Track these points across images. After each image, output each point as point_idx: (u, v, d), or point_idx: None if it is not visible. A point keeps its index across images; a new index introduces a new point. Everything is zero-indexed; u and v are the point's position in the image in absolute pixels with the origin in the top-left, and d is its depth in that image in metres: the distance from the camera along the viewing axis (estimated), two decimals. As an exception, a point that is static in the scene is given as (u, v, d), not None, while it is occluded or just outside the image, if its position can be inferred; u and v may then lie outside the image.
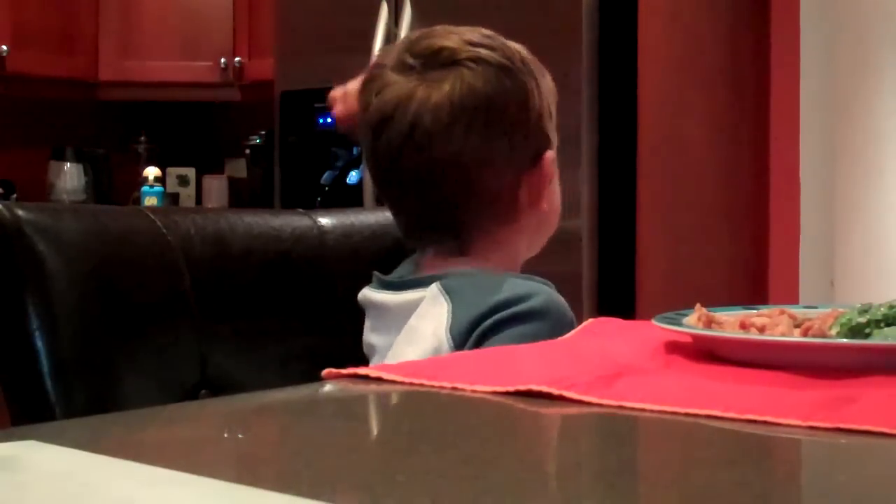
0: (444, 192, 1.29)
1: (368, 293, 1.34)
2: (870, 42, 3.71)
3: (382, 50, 1.41)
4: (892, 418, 0.65)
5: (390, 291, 1.32)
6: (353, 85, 1.43)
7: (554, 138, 1.36)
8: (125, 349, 1.16)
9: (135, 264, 1.20)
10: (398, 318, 1.29)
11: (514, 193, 1.32)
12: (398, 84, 1.27)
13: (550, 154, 1.34)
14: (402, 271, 1.35)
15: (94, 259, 1.17)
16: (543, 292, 1.24)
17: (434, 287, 1.26)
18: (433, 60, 1.28)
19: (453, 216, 1.30)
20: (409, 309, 1.28)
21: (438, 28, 1.34)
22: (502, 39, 1.33)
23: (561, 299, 1.26)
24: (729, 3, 2.98)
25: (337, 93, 1.43)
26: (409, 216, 1.34)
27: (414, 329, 1.26)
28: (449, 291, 1.25)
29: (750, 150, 3.01)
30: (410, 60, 1.29)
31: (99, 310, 1.15)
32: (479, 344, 1.19)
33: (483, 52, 1.29)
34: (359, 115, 1.34)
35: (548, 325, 1.19)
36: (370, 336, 1.34)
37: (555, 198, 1.37)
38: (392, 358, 1.24)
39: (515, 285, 1.25)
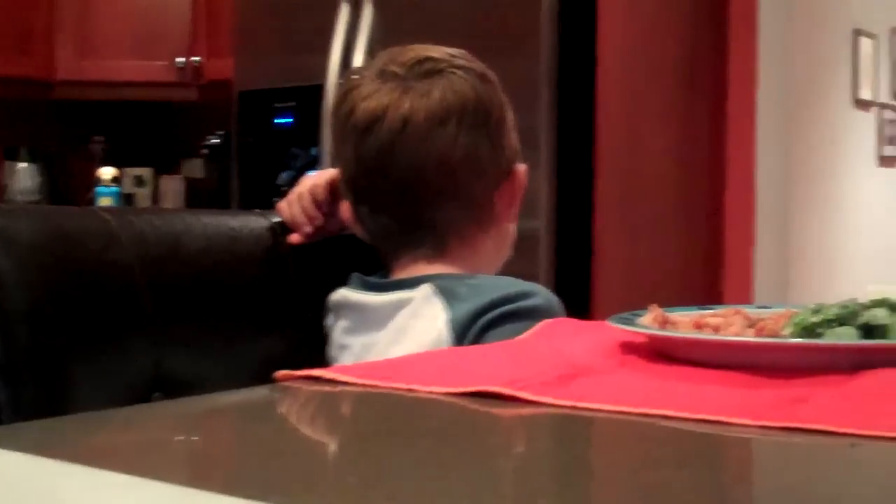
0: (432, 191, 1.32)
1: (348, 294, 1.36)
2: (825, 42, 3.75)
3: (352, 70, 1.43)
4: (843, 418, 0.66)
5: (373, 292, 1.33)
6: (298, 191, 1.43)
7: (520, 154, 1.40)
8: (78, 351, 1.15)
9: (88, 265, 1.19)
10: (380, 318, 1.31)
11: (492, 200, 1.36)
12: (386, 89, 1.30)
13: (523, 166, 1.38)
14: (376, 277, 1.37)
15: (47, 260, 1.15)
16: (543, 292, 1.29)
17: (426, 287, 1.29)
18: (418, 69, 1.31)
19: (438, 216, 1.33)
20: (394, 309, 1.30)
21: (415, 45, 1.36)
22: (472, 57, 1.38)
23: (558, 300, 1.29)
24: (688, 4, 3.00)
25: (282, 204, 1.43)
26: (392, 217, 1.35)
27: (403, 328, 1.28)
28: (443, 291, 1.28)
29: (706, 150, 3.03)
30: (395, 69, 1.32)
31: (51, 311, 1.14)
32: (481, 335, 1.23)
33: (464, 62, 1.34)
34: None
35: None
36: (343, 337, 1.35)
37: (514, 216, 1.41)
38: (375, 357, 1.26)
39: (515, 283, 1.29)
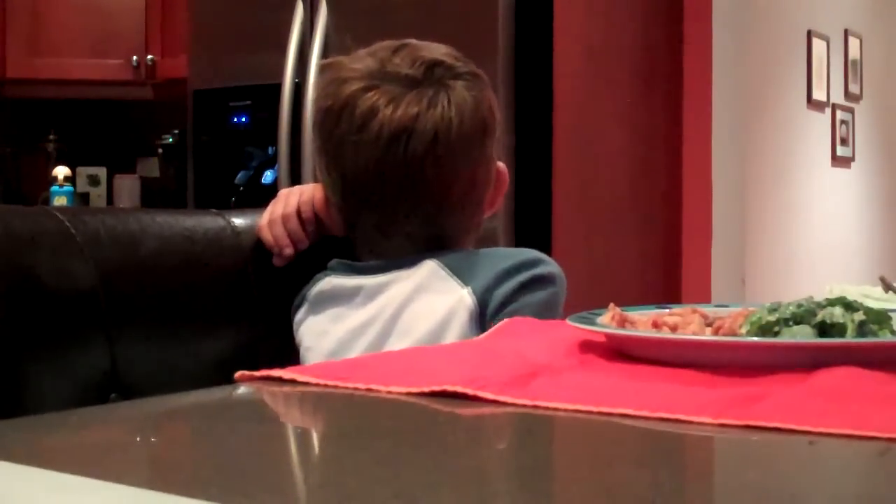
0: (457, 205, 1.33)
1: (339, 280, 1.35)
2: (779, 43, 3.79)
3: (333, 63, 1.37)
4: (801, 415, 0.67)
5: (368, 275, 1.33)
6: (281, 211, 1.39)
7: None
8: (32, 352, 1.14)
9: (42, 266, 1.18)
10: (374, 297, 1.31)
11: (483, 204, 1.39)
12: (411, 97, 1.29)
13: (503, 165, 1.42)
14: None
15: (0, 261, 1.14)
16: (552, 260, 1.32)
17: (431, 264, 1.30)
18: (431, 75, 1.31)
19: (448, 224, 1.34)
20: (386, 285, 1.30)
21: (414, 42, 1.35)
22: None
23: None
24: (643, 4, 3.01)
25: (263, 221, 1.39)
26: (401, 225, 1.33)
27: (406, 302, 1.28)
28: (450, 266, 1.29)
29: (663, 150, 3.05)
30: (408, 71, 1.30)
31: (4, 313, 1.12)
32: (513, 296, 1.25)
33: (465, 66, 1.34)
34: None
35: (563, 291, 1.30)
36: (329, 325, 1.33)
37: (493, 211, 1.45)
38: (371, 337, 1.28)
39: (520, 251, 1.33)
